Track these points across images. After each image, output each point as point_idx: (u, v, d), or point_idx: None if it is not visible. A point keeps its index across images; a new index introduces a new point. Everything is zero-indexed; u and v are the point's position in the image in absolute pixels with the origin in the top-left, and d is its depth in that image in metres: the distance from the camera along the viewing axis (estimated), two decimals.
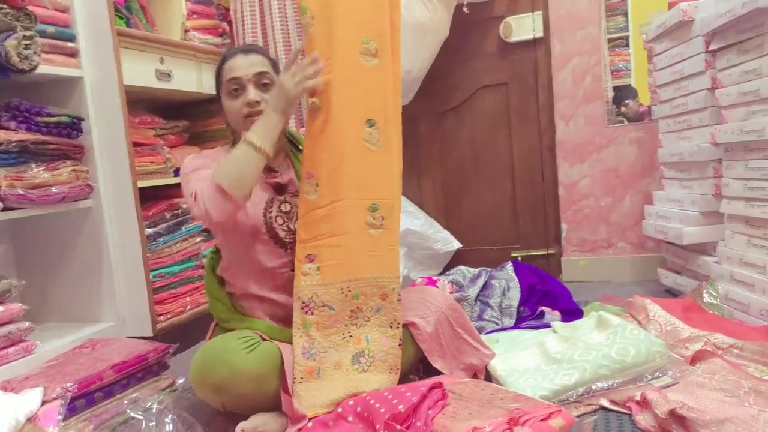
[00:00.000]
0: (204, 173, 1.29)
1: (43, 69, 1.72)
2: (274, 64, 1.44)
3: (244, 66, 1.37)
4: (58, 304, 2.01)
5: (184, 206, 2.13)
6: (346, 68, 1.30)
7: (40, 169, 1.73)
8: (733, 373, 1.22)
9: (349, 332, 1.27)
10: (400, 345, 1.28)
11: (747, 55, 1.63)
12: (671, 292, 2.10)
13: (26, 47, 1.64)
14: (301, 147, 1.47)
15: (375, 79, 1.32)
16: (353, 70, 1.30)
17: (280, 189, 1.43)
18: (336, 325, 1.29)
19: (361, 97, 1.31)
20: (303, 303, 1.29)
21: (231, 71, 1.38)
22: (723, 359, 1.30)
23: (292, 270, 1.36)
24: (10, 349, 1.60)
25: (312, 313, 1.28)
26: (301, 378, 1.23)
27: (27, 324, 1.65)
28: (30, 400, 1.35)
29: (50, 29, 1.80)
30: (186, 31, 2.38)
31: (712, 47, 1.79)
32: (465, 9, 2.35)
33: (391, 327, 1.28)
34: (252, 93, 1.36)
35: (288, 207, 1.42)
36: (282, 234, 1.39)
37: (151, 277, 1.96)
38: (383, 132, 1.32)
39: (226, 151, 1.45)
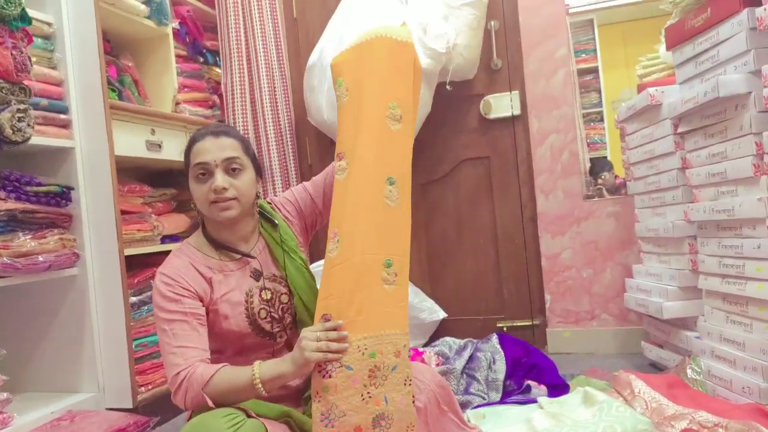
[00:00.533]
0: (189, 352, 1.23)
1: (35, 140, 1.75)
2: (246, 146, 1.40)
3: (212, 150, 1.32)
4: (38, 374, 1.96)
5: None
6: (374, 132, 1.36)
7: (27, 237, 1.73)
8: None
9: (368, 392, 1.22)
10: (413, 402, 1.26)
11: (713, 138, 1.72)
12: (655, 366, 2.12)
13: (20, 120, 1.67)
14: (275, 221, 1.45)
15: (397, 141, 1.38)
16: (380, 134, 1.36)
17: (257, 274, 1.40)
18: (354, 386, 1.24)
19: (386, 158, 1.36)
20: (320, 366, 1.24)
21: (199, 155, 1.32)
22: None
23: (280, 350, 1.35)
24: None
25: (330, 376, 1.23)
26: None
27: (5, 395, 1.61)
28: None
29: (43, 102, 1.85)
30: (177, 103, 2.45)
31: (680, 130, 1.88)
32: (448, 87, 2.47)
33: (405, 384, 1.26)
34: (219, 179, 1.31)
35: (269, 294, 1.39)
36: (267, 327, 1.38)
37: (133, 346, 1.93)
38: (401, 189, 1.36)
39: (192, 251, 1.37)
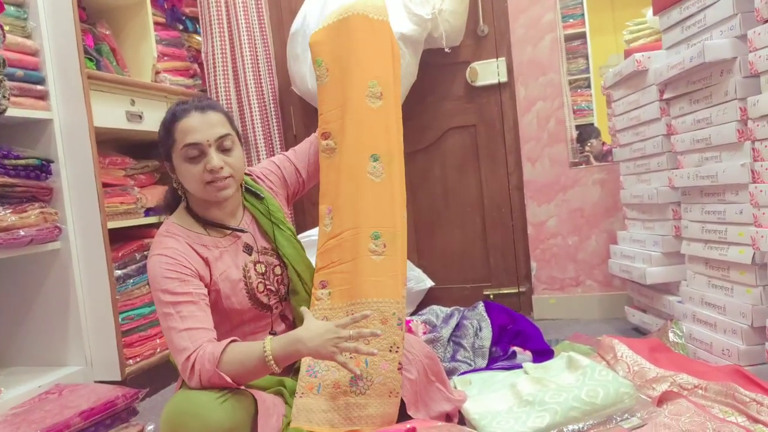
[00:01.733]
0: (197, 333, 1.21)
1: (11, 112, 1.71)
2: (231, 120, 1.36)
3: (202, 128, 1.27)
4: (24, 348, 1.95)
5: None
6: (355, 111, 1.43)
7: (8, 212, 1.71)
8: (698, 414, 1.26)
9: (349, 354, 1.27)
10: (399, 369, 1.28)
11: (698, 104, 1.71)
12: (639, 331, 2.16)
13: None
14: (261, 195, 1.45)
15: (379, 118, 1.44)
16: (361, 112, 1.43)
17: (248, 249, 1.40)
18: None
19: (367, 135, 1.43)
20: None
21: (188, 134, 1.26)
22: (688, 400, 1.34)
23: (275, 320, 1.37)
24: None
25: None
26: (302, 393, 1.29)
27: None
28: None
29: (19, 72, 1.80)
30: (157, 72, 2.39)
31: (665, 96, 1.88)
32: (447, 50, 2.42)
33: (390, 351, 1.29)
34: (215, 159, 1.27)
35: (263, 267, 1.40)
36: (265, 300, 1.39)
37: (120, 319, 1.93)
38: (386, 165, 1.43)
39: (182, 230, 1.33)
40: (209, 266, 1.33)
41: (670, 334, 1.79)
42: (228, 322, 1.38)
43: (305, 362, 1.32)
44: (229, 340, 1.22)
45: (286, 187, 1.55)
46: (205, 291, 1.30)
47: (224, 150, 1.30)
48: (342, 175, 1.43)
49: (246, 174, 1.49)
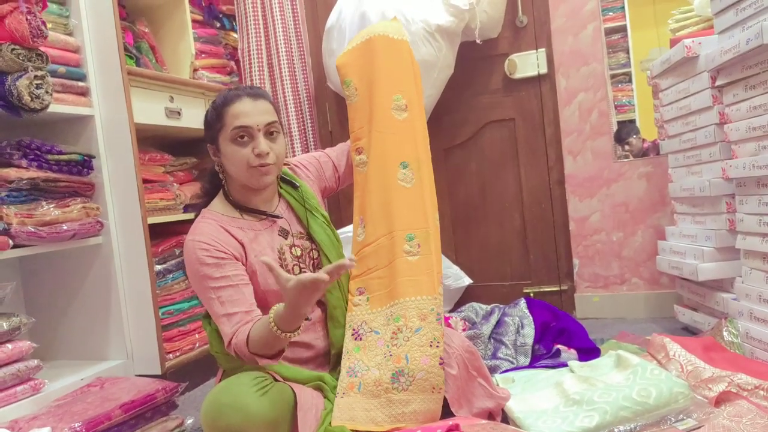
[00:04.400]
0: (236, 317, 1.24)
1: (54, 108, 1.73)
2: (278, 110, 1.41)
3: (253, 113, 1.31)
4: (66, 342, 1.98)
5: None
6: (382, 124, 1.52)
7: (51, 206, 1.73)
8: (760, 416, 1.18)
9: (389, 352, 1.31)
10: (441, 364, 1.27)
11: (754, 90, 1.63)
12: (689, 330, 2.07)
13: (38, 87, 1.65)
14: (297, 184, 1.48)
15: (406, 129, 1.52)
16: (388, 125, 1.52)
17: (284, 233, 1.42)
18: (379, 346, 1.35)
19: (395, 145, 1.51)
20: (353, 330, 1.39)
21: (239, 118, 1.31)
22: (749, 401, 1.26)
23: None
24: (18, 388, 1.57)
25: (361, 339, 1.37)
26: (344, 393, 1.30)
27: (35, 362, 1.62)
28: None
29: (61, 69, 1.82)
30: (195, 70, 2.41)
31: (718, 83, 1.80)
32: (478, 41, 2.37)
33: (431, 346, 1.29)
34: (263, 144, 1.31)
35: (298, 251, 1.41)
36: None
37: (160, 314, 1.94)
38: (416, 171, 1.50)
39: (218, 215, 1.35)
40: (245, 248, 1.34)
41: (725, 333, 1.70)
42: (266, 307, 1.36)
43: (345, 365, 1.34)
44: (249, 326, 1.22)
45: (322, 180, 1.59)
46: (243, 270, 1.32)
47: (271, 137, 1.34)
48: (373, 185, 1.50)
49: (285, 164, 1.51)
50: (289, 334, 1.17)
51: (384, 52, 1.56)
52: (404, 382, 1.26)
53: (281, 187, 1.47)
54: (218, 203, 1.40)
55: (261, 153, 1.30)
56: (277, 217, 1.42)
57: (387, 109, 1.52)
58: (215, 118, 1.35)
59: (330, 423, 1.26)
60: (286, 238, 1.41)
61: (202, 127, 1.41)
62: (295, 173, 1.53)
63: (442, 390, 1.26)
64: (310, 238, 1.45)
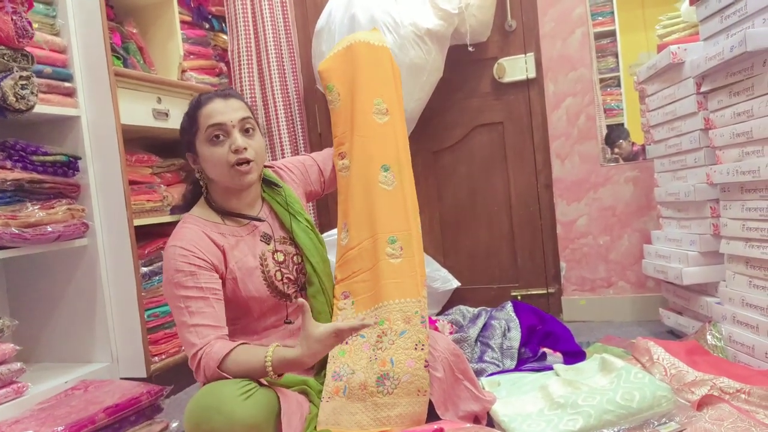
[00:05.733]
0: (205, 330, 1.22)
1: (40, 109, 1.71)
2: (251, 110, 1.40)
3: (226, 111, 1.30)
4: (50, 344, 1.96)
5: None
6: (364, 128, 1.54)
7: (36, 207, 1.71)
8: (741, 419, 1.19)
9: (375, 355, 1.31)
10: (426, 366, 1.28)
11: (738, 96, 1.65)
12: (674, 333, 2.08)
13: (23, 87, 1.63)
14: (279, 186, 1.47)
15: (387, 132, 1.54)
16: (369, 128, 1.54)
17: (267, 238, 1.41)
18: (364, 350, 1.34)
19: (377, 148, 1.52)
20: None
21: (212, 117, 1.30)
22: (731, 405, 1.27)
23: (294, 312, 1.38)
24: (1, 391, 1.56)
25: (346, 343, 1.35)
26: (329, 397, 1.29)
27: (19, 365, 1.60)
28: None
29: (47, 69, 1.81)
30: (183, 71, 2.40)
31: (703, 89, 1.81)
32: (470, 48, 2.39)
33: (416, 349, 1.30)
34: (239, 139, 1.30)
35: (281, 256, 1.40)
36: (284, 288, 1.39)
37: (145, 316, 1.93)
38: (396, 174, 1.51)
39: (200, 221, 1.34)
40: (225, 255, 1.33)
41: (708, 337, 1.72)
42: (249, 314, 1.37)
43: (330, 369, 1.34)
44: (238, 343, 1.23)
45: (308, 183, 1.59)
46: (219, 284, 1.29)
47: (246, 133, 1.33)
48: (355, 189, 1.51)
49: (267, 166, 1.50)
50: (278, 378, 1.21)
51: (365, 57, 1.59)
52: (389, 385, 1.26)
53: (264, 191, 1.46)
54: (199, 209, 1.39)
55: (238, 148, 1.29)
56: (260, 220, 1.40)
57: (368, 113, 1.54)
58: (189, 122, 1.35)
59: (315, 427, 1.26)
60: (268, 244, 1.40)
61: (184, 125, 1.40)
62: (279, 176, 1.52)
63: (428, 393, 1.26)
64: (294, 242, 1.44)
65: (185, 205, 1.43)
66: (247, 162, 1.30)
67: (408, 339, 1.30)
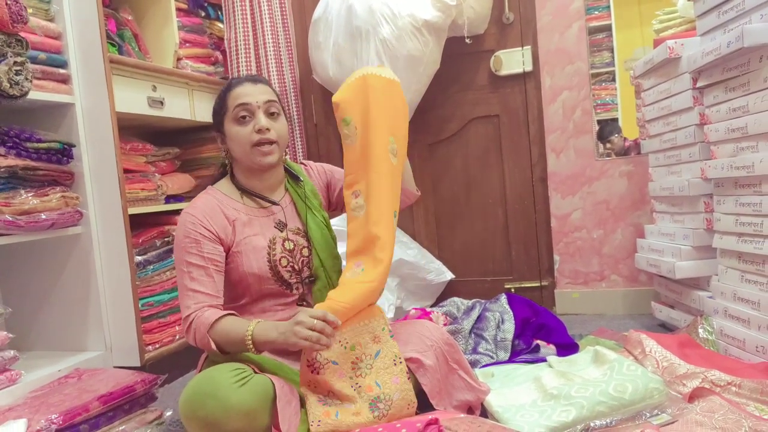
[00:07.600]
0: (201, 297, 1.30)
1: (34, 95, 1.70)
2: (279, 96, 1.46)
3: (253, 93, 1.39)
4: (44, 332, 1.96)
5: (174, 233, 2.11)
6: (381, 169, 1.41)
7: (29, 195, 1.70)
8: (732, 411, 1.21)
9: (357, 383, 1.28)
10: (408, 377, 1.29)
11: (734, 92, 1.66)
12: (665, 326, 2.10)
13: (17, 73, 1.61)
14: (301, 179, 1.51)
15: (396, 175, 1.45)
16: (386, 170, 1.41)
17: (281, 226, 1.44)
18: (342, 379, 1.28)
19: (392, 193, 1.42)
20: (308, 361, 1.27)
21: (239, 97, 1.38)
22: (721, 397, 1.29)
23: (298, 303, 1.40)
24: None
25: (319, 373, 1.27)
26: (319, 421, 1.22)
27: (12, 353, 1.60)
28: None
29: (42, 55, 1.79)
30: (178, 59, 2.38)
31: (699, 84, 1.82)
32: (467, 40, 2.38)
33: (395, 364, 1.30)
34: (263, 119, 1.37)
35: (291, 245, 1.43)
36: (286, 276, 1.40)
37: (140, 305, 1.92)
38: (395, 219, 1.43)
39: (220, 194, 1.41)
40: (234, 229, 1.38)
41: (700, 330, 1.73)
42: (249, 293, 1.39)
43: (311, 399, 1.26)
44: (227, 312, 1.29)
45: (329, 190, 1.62)
46: (221, 256, 1.35)
47: (271, 115, 1.40)
48: (367, 226, 1.39)
49: (301, 163, 1.58)
50: (256, 351, 1.24)
51: (379, 89, 1.48)
52: (383, 408, 1.25)
53: (288, 182, 1.51)
54: (224, 183, 1.46)
55: (261, 128, 1.36)
56: (274, 203, 1.45)
57: (385, 151, 1.42)
58: (219, 104, 1.43)
59: (308, 430, 1.24)
60: (281, 231, 1.44)
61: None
62: (308, 173, 1.57)
63: (415, 404, 1.28)
64: (307, 236, 1.46)
65: (212, 181, 1.50)
66: (270, 143, 1.37)
67: (385, 357, 1.30)
